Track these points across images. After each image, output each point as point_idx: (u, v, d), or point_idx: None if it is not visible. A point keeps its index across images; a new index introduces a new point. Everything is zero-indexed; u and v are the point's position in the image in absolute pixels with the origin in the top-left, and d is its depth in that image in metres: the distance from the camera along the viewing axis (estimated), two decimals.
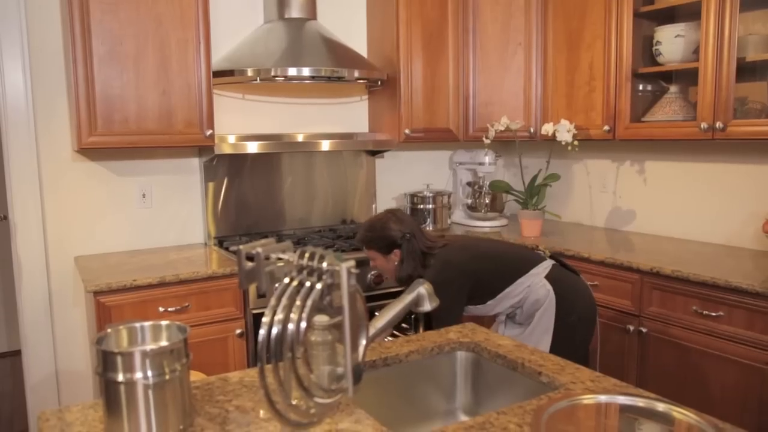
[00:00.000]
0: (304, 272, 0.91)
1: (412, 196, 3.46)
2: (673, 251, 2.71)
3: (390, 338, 2.01)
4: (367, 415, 1.19)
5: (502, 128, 3.23)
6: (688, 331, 2.39)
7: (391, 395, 1.56)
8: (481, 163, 3.47)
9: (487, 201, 3.48)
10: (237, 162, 3.12)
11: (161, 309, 2.40)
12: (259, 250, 0.93)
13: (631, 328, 2.57)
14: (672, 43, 2.79)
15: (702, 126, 2.60)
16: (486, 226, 3.49)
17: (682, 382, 2.43)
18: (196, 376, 1.97)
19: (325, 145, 3.12)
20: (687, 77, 2.89)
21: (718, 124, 2.56)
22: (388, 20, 3.30)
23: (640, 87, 3.05)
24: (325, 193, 3.40)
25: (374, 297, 2.81)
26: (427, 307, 1.37)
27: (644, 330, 2.53)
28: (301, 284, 0.91)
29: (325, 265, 0.89)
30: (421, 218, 3.44)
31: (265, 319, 0.87)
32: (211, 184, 3.07)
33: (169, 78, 2.63)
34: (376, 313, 1.45)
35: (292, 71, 2.85)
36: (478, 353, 1.60)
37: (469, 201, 3.54)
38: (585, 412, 1.22)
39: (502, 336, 1.66)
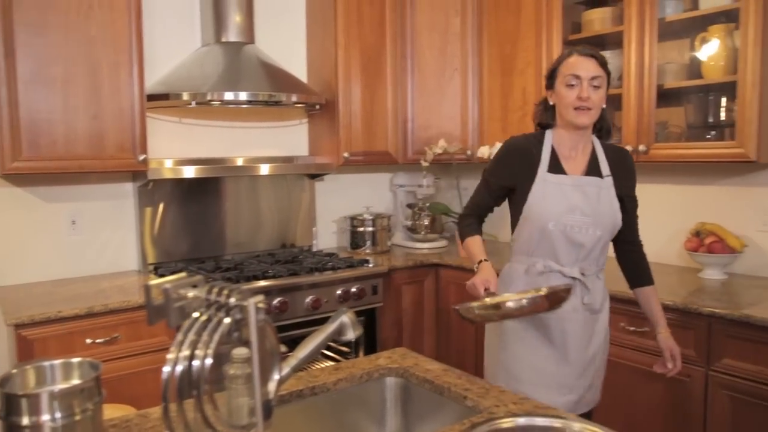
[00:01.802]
0: (213, 308, 0.91)
1: (353, 219, 3.47)
2: (608, 267, 2.78)
3: (329, 363, 1.98)
4: None
5: (440, 151, 3.28)
6: (617, 348, 2.46)
7: (319, 424, 1.55)
8: (420, 186, 3.52)
9: (426, 223, 3.52)
10: (174, 186, 3.07)
11: (89, 341, 2.32)
12: (168, 286, 0.92)
13: None
14: None
15: (627, 148, 2.70)
16: (425, 247, 3.52)
17: (614, 397, 2.49)
18: (123, 410, 1.92)
19: (264, 169, 3.11)
20: (613, 103, 3.00)
21: (642, 147, 2.67)
22: (326, 45, 3.32)
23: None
24: (265, 217, 3.37)
25: (313, 322, 2.80)
26: (350, 335, 1.36)
27: None
28: (209, 319, 0.90)
29: (233, 300, 0.88)
30: (361, 241, 3.45)
31: (169, 356, 0.86)
32: (146, 210, 3.00)
33: (101, 101, 2.58)
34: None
35: (228, 95, 2.83)
36: (406, 379, 1.61)
37: (409, 223, 3.58)
38: None
39: (430, 360, 1.67)
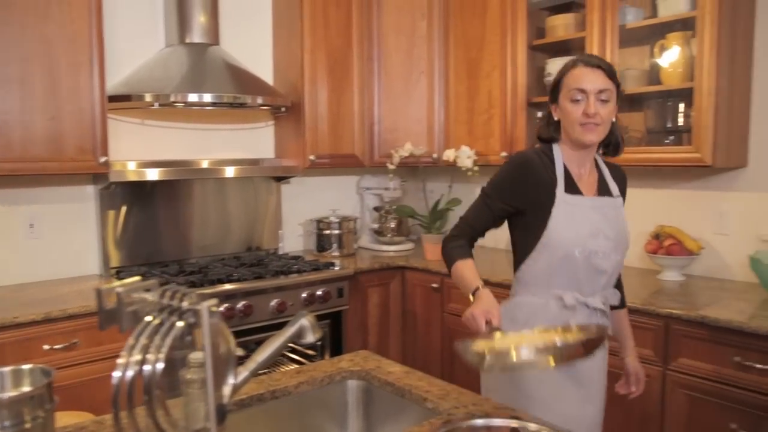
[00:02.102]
0: (166, 311, 0.89)
1: (319, 221, 3.46)
2: None
3: (294, 365, 1.94)
4: None
5: (406, 154, 3.30)
6: None
7: (281, 428, 1.54)
8: (386, 188, 3.53)
9: (393, 225, 3.53)
10: (137, 189, 3.03)
11: (46, 347, 2.27)
12: (120, 290, 0.91)
13: None
14: None
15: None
16: (392, 250, 3.53)
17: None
18: (82, 417, 1.88)
19: (230, 172, 3.08)
20: None
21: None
22: (292, 47, 3.31)
23: (539, 114, 3.19)
24: (231, 220, 3.34)
25: (278, 325, 2.78)
26: (310, 338, 1.36)
27: None
28: (162, 323, 0.89)
29: (186, 304, 0.87)
30: (327, 244, 3.44)
31: (120, 361, 0.85)
32: (108, 213, 2.95)
33: (59, 102, 2.53)
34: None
35: (192, 97, 2.80)
36: (368, 381, 1.61)
37: (376, 226, 3.58)
38: None
39: (392, 363, 1.68)
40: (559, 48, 3.06)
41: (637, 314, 2.32)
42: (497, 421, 1.27)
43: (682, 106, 2.68)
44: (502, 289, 2.76)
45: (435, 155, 3.44)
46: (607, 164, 1.84)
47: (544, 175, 1.70)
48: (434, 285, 3.10)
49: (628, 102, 2.82)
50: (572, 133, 1.69)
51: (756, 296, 2.40)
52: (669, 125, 2.75)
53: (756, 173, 2.61)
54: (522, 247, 1.76)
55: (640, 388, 1.92)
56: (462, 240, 1.79)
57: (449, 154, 3.20)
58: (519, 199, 1.72)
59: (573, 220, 1.68)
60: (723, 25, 2.40)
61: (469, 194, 3.69)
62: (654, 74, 2.75)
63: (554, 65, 2.96)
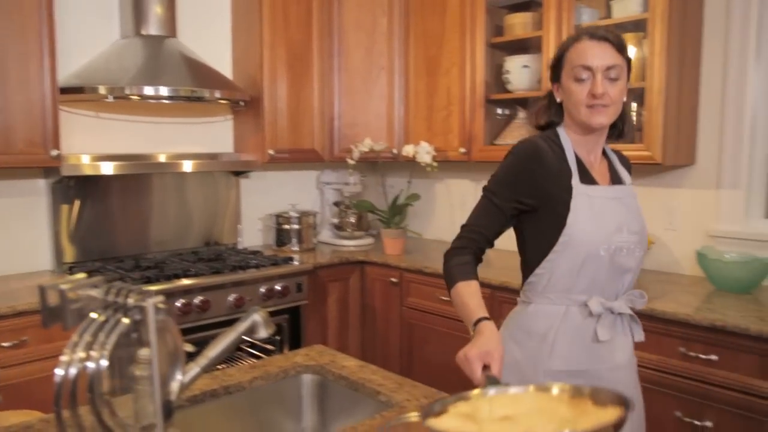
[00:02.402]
0: (111, 308, 0.89)
1: (278, 216, 3.45)
2: (507, 262, 2.87)
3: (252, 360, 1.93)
4: None
5: (366, 149, 3.31)
6: None
7: (235, 423, 1.54)
8: (346, 183, 3.53)
9: (353, 220, 3.54)
10: (92, 183, 2.97)
11: None
12: (64, 287, 0.90)
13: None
14: (519, 72, 3.00)
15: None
16: (352, 245, 3.54)
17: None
18: (30, 416, 1.84)
19: (188, 166, 3.04)
20: (533, 104, 3.10)
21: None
22: (252, 41, 3.28)
23: (498, 111, 3.23)
24: (189, 214, 3.30)
25: (235, 321, 2.76)
26: (262, 334, 1.36)
27: None
28: (107, 320, 0.88)
29: (131, 300, 0.87)
30: (287, 238, 3.43)
31: (63, 358, 0.84)
32: (62, 207, 2.88)
33: (8, 94, 2.46)
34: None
35: (148, 90, 2.76)
36: (323, 375, 1.62)
37: (336, 220, 3.58)
38: (415, 428, 1.27)
39: (347, 357, 1.69)
40: (518, 46, 3.11)
41: None
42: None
43: (634, 105, 2.75)
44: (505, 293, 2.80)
45: (395, 151, 3.46)
46: (614, 151, 1.66)
47: (556, 165, 1.48)
48: (393, 279, 3.12)
49: None
50: (578, 115, 1.48)
51: (702, 290, 2.48)
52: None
53: (703, 171, 2.70)
54: (535, 250, 1.52)
55: None
56: (466, 255, 1.52)
57: (409, 150, 3.22)
58: (531, 194, 1.48)
59: (595, 213, 1.47)
60: (673, 27, 2.47)
61: (428, 189, 3.72)
62: None
63: (511, 63, 3.01)
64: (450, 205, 3.66)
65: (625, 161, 1.66)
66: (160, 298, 0.87)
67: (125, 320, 0.87)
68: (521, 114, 3.08)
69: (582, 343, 1.49)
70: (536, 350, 1.50)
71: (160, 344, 0.88)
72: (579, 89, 1.46)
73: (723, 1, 2.58)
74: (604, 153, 1.60)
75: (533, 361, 1.51)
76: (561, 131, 1.54)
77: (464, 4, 3.11)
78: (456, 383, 1.16)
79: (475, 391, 1.08)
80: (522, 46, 3.10)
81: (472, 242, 1.52)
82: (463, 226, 1.57)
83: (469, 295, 1.42)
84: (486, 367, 1.23)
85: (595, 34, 1.47)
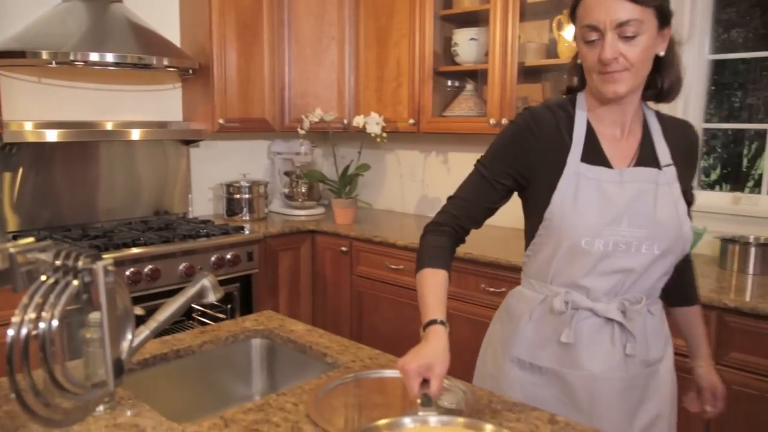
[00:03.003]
0: (61, 271, 0.92)
1: (228, 186, 3.45)
2: (471, 235, 2.97)
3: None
4: (149, 408, 1.21)
5: (317, 119, 3.33)
6: (479, 307, 2.66)
7: (185, 386, 1.58)
8: (297, 153, 3.55)
9: (303, 190, 3.57)
10: (36, 150, 2.91)
11: None
12: (12, 250, 0.92)
13: None
14: (467, 45, 3.05)
15: (491, 121, 2.88)
16: (303, 214, 3.57)
17: (476, 354, 2.69)
18: None
19: (135, 135, 3.01)
20: (481, 77, 3.17)
21: (504, 120, 2.85)
22: (201, 8, 3.24)
23: (448, 82, 3.29)
24: (138, 183, 3.28)
25: None
26: (211, 298, 1.40)
27: None
28: (57, 282, 0.91)
29: (81, 263, 0.90)
30: (238, 208, 3.44)
31: (14, 319, 0.87)
32: (4, 175, 2.83)
33: None
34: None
35: (93, 56, 2.71)
36: (272, 339, 1.68)
37: (286, 190, 3.61)
38: (356, 387, 1.34)
39: (295, 321, 1.75)
40: (466, 18, 3.16)
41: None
42: (388, 372, 1.37)
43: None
44: (408, 252, 2.89)
45: (345, 121, 3.49)
46: (671, 121, 1.39)
47: (555, 136, 1.31)
48: (343, 248, 3.18)
49: (528, 74, 2.97)
50: (591, 82, 1.27)
51: None
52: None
53: None
54: (528, 229, 1.40)
55: (718, 406, 1.51)
56: (444, 235, 1.38)
57: (359, 121, 3.26)
58: (523, 168, 1.33)
59: (585, 198, 1.27)
60: None
61: (378, 160, 3.78)
62: (552, 48, 2.90)
63: (460, 36, 3.06)
64: (400, 175, 3.73)
65: (679, 136, 1.36)
66: (110, 260, 0.90)
67: (75, 282, 0.90)
68: (469, 86, 3.15)
69: (548, 339, 1.35)
70: (510, 333, 1.41)
71: (110, 306, 0.91)
72: (589, 53, 1.23)
73: None
74: (645, 126, 1.35)
75: (504, 344, 1.43)
76: (580, 98, 1.34)
77: None
78: (403, 350, 1.21)
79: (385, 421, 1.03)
80: (470, 19, 3.15)
81: (454, 219, 1.38)
82: (449, 198, 1.42)
83: (430, 287, 1.29)
84: (425, 383, 1.12)
85: None
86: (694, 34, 2.65)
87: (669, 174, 1.31)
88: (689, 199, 1.38)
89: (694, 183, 1.43)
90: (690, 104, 2.71)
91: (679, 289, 1.49)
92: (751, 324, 2.00)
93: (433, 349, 1.17)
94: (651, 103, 1.38)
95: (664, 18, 1.23)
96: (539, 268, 1.37)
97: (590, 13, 1.21)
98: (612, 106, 1.30)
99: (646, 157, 1.32)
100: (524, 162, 1.33)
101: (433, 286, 1.30)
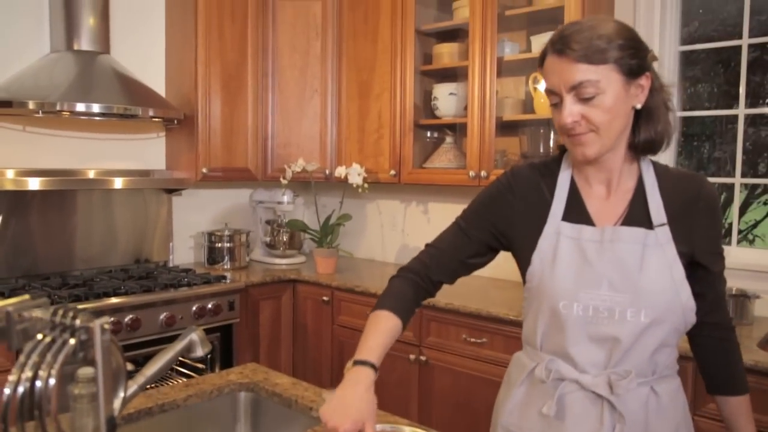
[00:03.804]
0: (58, 329, 0.93)
1: (210, 234, 3.46)
2: (450, 285, 3.01)
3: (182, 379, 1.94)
4: None
5: (299, 169, 3.38)
6: (460, 357, 2.67)
7: None
8: (279, 202, 3.58)
9: (285, 239, 3.59)
10: (17, 198, 2.90)
11: None
12: (10, 308, 0.93)
13: (413, 357, 2.81)
14: (447, 99, 3.15)
15: (470, 173, 2.96)
16: (284, 263, 3.59)
17: (457, 404, 2.70)
18: None
19: (118, 183, 3.03)
20: (460, 129, 3.26)
21: (483, 173, 2.93)
22: (186, 59, 3.31)
23: (428, 134, 3.38)
24: (119, 231, 3.27)
25: (167, 339, 2.76)
26: (199, 352, 1.41)
27: (424, 359, 2.78)
28: (54, 341, 0.92)
29: (78, 321, 0.92)
30: (219, 257, 3.44)
31: (11, 378, 0.88)
32: None
33: None
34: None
35: (80, 106, 2.74)
36: (257, 393, 1.68)
37: (268, 239, 3.62)
38: None
39: (280, 374, 1.75)
40: (446, 74, 3.27)
41: (514, 325, 2.52)
42: (377, 427, 1.38)
43: (552, 134, 2.95)
44: (493, 324, 2.81)
45: (327, 171, 3.54)
46: (675, 176, 1.28)
47: (536, 194, 1.29)
48: (325, 298, 3.19)
49: (506, 128, 3.06)
50: (564, 144, 1.25)
51: None
52: (542, 150, 3.01)
53: None
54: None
55: None
56: (410, 283, 1.35)
57: (341, 171, 3.31)
58: (502, 223, 1.32)
59: (564, 259, 1.22)
60: None
61: (359, 209, 3.82)
62: (528, 103, 3.01)
63: (439, 90, 3.16)
64: (380, 225, 3.77)
65: (679, 191, 1.25)
66: (106, 318, 0.92)
67: (72, 340, 0.92)
68: (449, 138, 3.24)
69: (535, 411, 1.27)
70: (502, 399, 1.37)
71: (106, 364, 0.93)
72: (555, 116, 1.20)
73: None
74: (641, 182, 1.26)
75: (497, 411, 1.39)
76: (567, 156, 1.31)
77: (395, 32, 3.25)
78: (383, 401, 1.21)
79: None
80: (450, 74, 3.26)
81: (424, 267, 1.36)
82: (426, 245, 1.41)
83: (377, 330, 1.26)
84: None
85: (553, 46, 1.17)
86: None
87: (662, 235, 1.20)
88: (714, 266, 1.25)
89: (719, 246, 1.29)
90: (661, 156, 2.81)
91: (718, 371, 1.32)
92: None
93: (358, 400, 1.13)
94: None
95: (630, 70, 1.15)
96: (528, 333, 1.32)
97: (547, 77, 1.20)
98: (593, 165, 1.25)
99: (635, 215, 1.23)
100: (504, 221, 1.31)
101: (380, 330, 1.25)
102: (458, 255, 1.35)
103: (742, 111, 2.66)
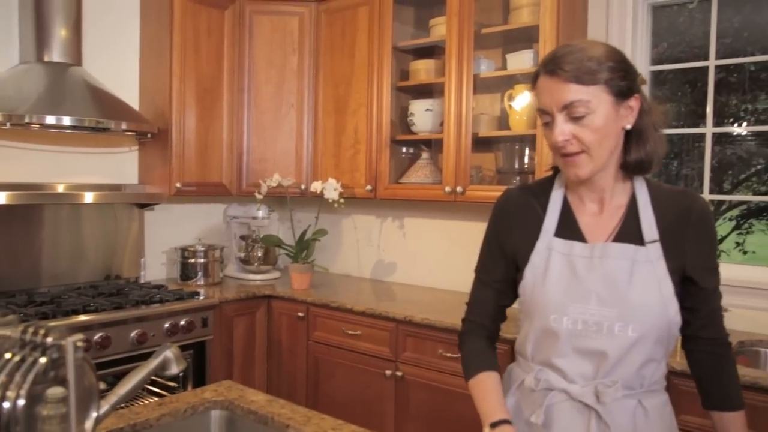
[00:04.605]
0: (27, 348, 0.90)
1: (183, 250, 3.40)
2: (426, 300, 3.01)
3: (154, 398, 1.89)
4: None
5: (275, 184, 3.35)
6: (436, 373, 2.66)
7: None
8: (254, 217, 3.55)
9: (260, 254, 3.55)
10: None
11: None
12: None
13: (389, 372, 2.79)
14: (423, 115, 3.16)
15: (446, 189, 2.96)
16: (258, 279, 3.54)
17: (434, 419, 2.68)
18: None
19: (88, 198, 2.97)
20: (436, 145, 3.28)
21: (459, 188, 2.94)
22: (161, 73, 3.27)
23: (404, 150, 3.39)
24: (89, 247, 3.20)
25: (138, 357, 2.70)
26: (174, 370, 1.38)
27: (400, 374, 2.76)
28: (23, 360, 0.89)
29: (49, 339, 0.89)
30: (192, 272, 3.39)
31: None
32: None
33: None
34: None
35: (50, 119, 2.69)
36: (232, 411, 1.65)
37: (242, 255, 3.58)
38: None
39: (256, 392, 1.72)
40: (422, 90, 3.29)
41: None
42: None
43: (527, 150, 2.98)
44: (365, 318, 2.88)
45: (303, 186, 3.52)
46: (667, 193, 1.30)
47: (529, 213, 1.34)
48: (300, 314, 3.16)
49: (482, 144, 3.09)
50: (557, 163, 1.29)
51: None
52: (517, 166, 3.04)
53: None
54: None
55: None
56: (477, 338, 1.41)
57: (316, 186, 3.30)
58: (507, 247, 1.36)
59: (554, 273, 1.26)
60: None
61: (335, 225, 3.81)
62: (504, 120, 3.04)
63: (416, 106, 3.18)
64: (356, 240, 3.76)
65: (672, 208, 1.27)
66: (80, 336, 0.89)
67: (42, 359, 0.89)
68: (425, 154, 3.25)
69: (522, 419, 1.32)
70: None
71: (78, 383, 0.90)
72: (547, 135, 1.24)
73: None
74: (634, 199, 1.29)
75: None
76: (560, 175, 1.36)
77: (372, 48, 3.26)
78: (359, 417, 1.21)
79: None
80: (426, 91, 3.28)
81: (479, 325, 1.42)
82: (467, 305, 1.46)
83: (485, 389, 1.31)
84: None
85: (545, 67, 1.21)
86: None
87: (653, 251, 1.23)
88: (706, 282, 1.26)
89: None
90: None
91: (714, 386, 1.31)
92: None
93: None
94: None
95: (620, 92, 1.19)
96: (521, 345, 1.36)
97: (539, 96, 1.24)
98: (585, 184, 1.29)
99: (628, 232, 1.26)
100: (507, 244, 1.36)
101: (489, 389, 1.30)
102: (491, 310, 1.41)
103: (709, 130, 2.72)
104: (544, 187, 1.36)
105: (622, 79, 1.19)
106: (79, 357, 0.89)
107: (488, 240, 1.42)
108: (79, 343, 0.89)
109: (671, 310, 1.22)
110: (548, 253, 1.28)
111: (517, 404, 1.34)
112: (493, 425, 1.22)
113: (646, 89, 1.32)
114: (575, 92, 1.17)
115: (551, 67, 1.20)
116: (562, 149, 1.21)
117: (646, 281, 1.21)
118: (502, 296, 1.41)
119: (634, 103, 1.23)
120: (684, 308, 1.26)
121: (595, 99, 1.17)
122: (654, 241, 1.24)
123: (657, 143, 1.26)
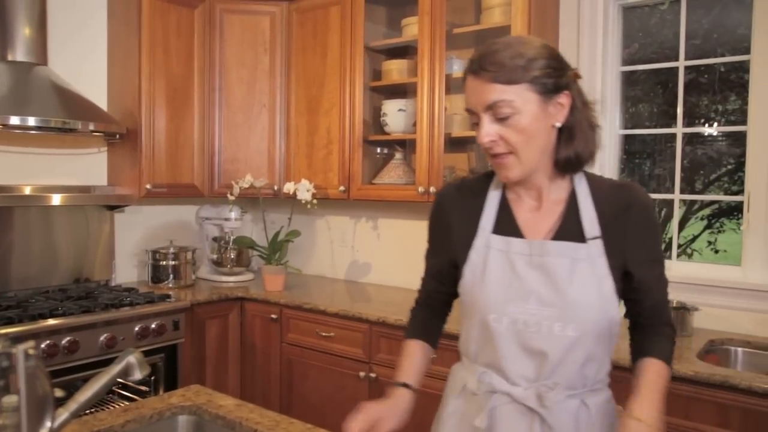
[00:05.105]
0: None
1: (154, 252, 3.35)
2: (400, 300, 3.00)
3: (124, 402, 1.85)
4: None
5: (247, 185, 3.32)
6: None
7: None
8: (227, 219, 3.51)
9: (232, 256, 3.52)
10: None
11: None
12: None
13: (363, 374, 2.78)
14: (396, 115, 3.16)
15: (419, 189, 2.96)
16: (231, 281, 3.51)
17: (408, 421, 2.66)
18: None
19: (56, 200, 2.91)
20: (410, 145, 3.27)
21: (432, 189, 2.93)
22: (129, 72, 3.22)
23: (378, 151, 3.37)
24: (58, 250, 3.14)
25: (107, 361, 2.65)
26: (137, 375, 1.35)
27: (374, 376, 2.75)
28: None
29: None
30: (163, 275, 3.34)
31: None
32: None
33: None
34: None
35: (14, 120, 2.63)
36: (200, 416, 1.62)
37: (215, 256, 3.54)
38: None
39: (224, 396, 1.69)
40: (395, 90, 3.28)
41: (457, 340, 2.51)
42: None
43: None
44: (339, 319, 2.86)
45: (276, 187, 3.50)
46: (608, 186, 1.27)
47: (465, 209, 1.31)
48: (273, 316, 3.13)
49: (455, 144, 3.09)
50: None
51: None
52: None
53: None
54: None
55: None
56: (418, 311, 1.51)
57: (289, 187, 3.27)
58: (447, 243, 1.34)
59: (493, 272, 1.23)
60: None
61: (308, 226, 3.78)
62: None
63: (388, 107, 3.17)
64: (330, 241, 3.74)
65: (612, 202, 1.23)
66: (31, 343, 0.87)
67: None
68: (398, 154, 3.24)
69: (467, 422, 1.30)
70: (440, 411, 1.41)
71: (30, 392, 0.87)
72: (477, 137, 1.21)
73: (585, 68, 2.88)
74: (574, 195, 1.25)
75: (436, 420, 1.43)
76: None
77: (344, 48, 3.24)
78: (334, 419, 1.22)
79: None
80: (399, 91, 3.27)
81: (422, 298, 1.51)
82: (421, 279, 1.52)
83: (404, 353, 1.43)
84: None
85: (472, 65, 1.19)
86: (606, 110, 2.85)
87: (594, 248, 1.20)
88: (648, 275, 1.24)
89: (656, 253, 1.27)
90: (605, 174, 2.88)
91: (643, 345, 1.30)
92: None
93: (390, 406, 1.30)
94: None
95: (547, 89, 1.16)
96: (464, 345, 1.34)
97: (466, 97, 1.22)
98: (519, 184, 1.27)
99: (568, 228, 1.23)
100: (447, 240, 1.35)
101: (408, 353, 1.42)
102: (434, 287, 1.47)
103: (680, 130, 2.75)
104: (482, 183, 1.34)
105: (549, 77, 1.16)
106: (31, 365, 0.86)
107: (431, 236, 1.44)
108: (31, 351, 0.86)
109: (611, 309, 1.20)
110: (486, 251, 1.26)
111: (462, 407, 1.33)
112: (397, 386, 1.35)
113: (584, 84, 1.29)
114: (499, 92, 1.14)
115: (475, 66, 1.17)
116: (490, 150, 1.20)
117: (586, 280, 1.18)
118: (440, 284, 1.45)
119: (564, 99, 1.19)
120: (629, 300, 1.28)
121: (520, 98, 1.14)
122: (595, 238, 1.21)
123: (589, 140, 1.22)
